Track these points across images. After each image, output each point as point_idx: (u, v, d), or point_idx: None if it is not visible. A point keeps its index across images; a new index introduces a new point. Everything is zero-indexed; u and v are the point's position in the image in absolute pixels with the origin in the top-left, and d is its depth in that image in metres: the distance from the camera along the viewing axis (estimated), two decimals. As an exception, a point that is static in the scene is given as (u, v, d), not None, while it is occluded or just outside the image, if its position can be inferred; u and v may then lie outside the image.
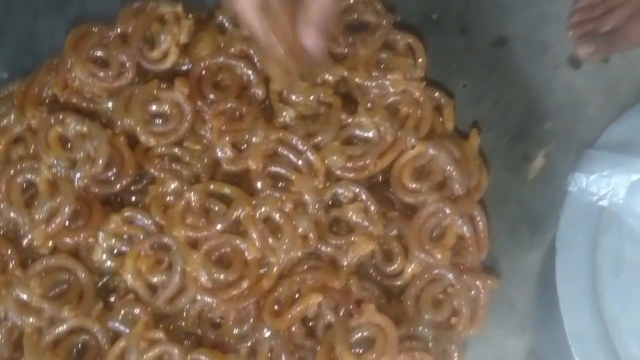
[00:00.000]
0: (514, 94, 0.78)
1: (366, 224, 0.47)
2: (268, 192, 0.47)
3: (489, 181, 0.70)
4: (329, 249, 0.47)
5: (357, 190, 0.48)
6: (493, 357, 0.66)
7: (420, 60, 0.55)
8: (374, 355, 0.42)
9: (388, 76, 0.51)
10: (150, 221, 0.47)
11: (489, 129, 0.76)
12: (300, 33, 0.40)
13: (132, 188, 0.49)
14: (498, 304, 0.68)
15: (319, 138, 0.48)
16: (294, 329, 0.45)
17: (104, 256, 0.46)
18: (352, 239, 0.47)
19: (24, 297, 0.43)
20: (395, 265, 0.48)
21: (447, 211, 0.48)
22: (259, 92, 0.50)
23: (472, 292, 0.48)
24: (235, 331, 0.45)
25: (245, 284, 0.45)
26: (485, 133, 0.76)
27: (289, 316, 0.44)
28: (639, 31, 0.63)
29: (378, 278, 0.48)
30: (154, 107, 0.49)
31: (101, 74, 0.49)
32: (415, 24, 0.66)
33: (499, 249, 0.70)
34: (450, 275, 0.46)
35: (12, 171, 0.47)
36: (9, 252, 0.45)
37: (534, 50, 0.80)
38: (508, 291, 0.68)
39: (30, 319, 0.43)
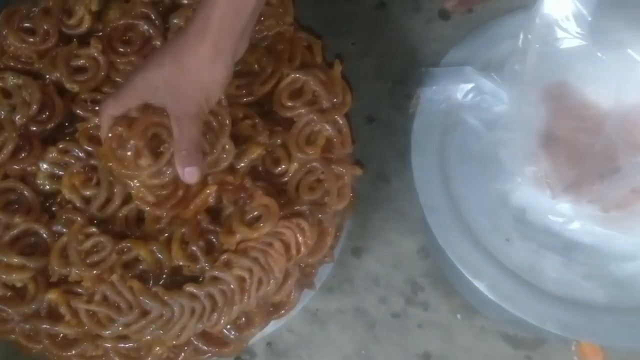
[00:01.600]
0: (395, 47, 0.93)
1: (254, 134, 0.60)
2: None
3: (381, 117, 0.84)
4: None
5: (247, 110, 0.61)
6: (392, 255, 0.80)
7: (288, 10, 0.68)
8: (261, 224, 0.55)
9: (265, 22, 0.65)
10: (80, 150, 0.59)
11: (375, 76, 0.91)
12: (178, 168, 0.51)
13: (65, 131, 0.61)
14: (394, 214, 0.82)
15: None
16: (199, 217, 0.57)
17: (46, 180, 0.59)
18: (243, 147, 0.60)
19: (-17, 213, 0.56)
20: (282, 167, 0.61)
21: (317, 120, 0.61)
22: (158, 43, 0.63)
23: (340, 180, 0.61)
24: (156, 227, 0.58)
25: (180, 193, 0.57)
26: (373, 79, 0.91)
27: (193, 206, 0.57)
28: None
29: (268, 178, 0.61)
30: (76, 62, 0.62)
31: (30, 39, 0.61)
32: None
33: (391, 170, 0.84)
34: (321, 166, 0.59)
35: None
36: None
37: (408, 9, 0.95)
38: (401, 204, 0.82)
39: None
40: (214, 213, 0.58)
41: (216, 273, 0.54)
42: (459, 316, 0.77)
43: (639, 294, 0.62)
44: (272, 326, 0.61)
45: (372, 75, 0.90)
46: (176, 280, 0.56)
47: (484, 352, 0.75)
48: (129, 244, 0.55)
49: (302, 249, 0.56)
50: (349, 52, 0.91)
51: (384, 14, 0.95)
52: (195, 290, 0.54)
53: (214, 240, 0.56)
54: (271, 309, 0.60)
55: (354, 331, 0.77)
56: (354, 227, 0.76)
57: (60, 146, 0.59)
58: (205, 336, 0.56)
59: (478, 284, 0.63)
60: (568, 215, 0.63)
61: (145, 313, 0.53)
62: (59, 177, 0.58)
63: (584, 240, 0.63)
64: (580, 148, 0.59)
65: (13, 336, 0.56)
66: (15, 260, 0.54)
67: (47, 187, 0.59)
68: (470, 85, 0.68)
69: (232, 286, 0.54)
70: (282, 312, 0.60)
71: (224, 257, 0.55)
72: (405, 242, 0.80)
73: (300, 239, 0.56)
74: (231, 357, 0.60)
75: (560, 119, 0.60)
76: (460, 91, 0.67)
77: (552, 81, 0.62)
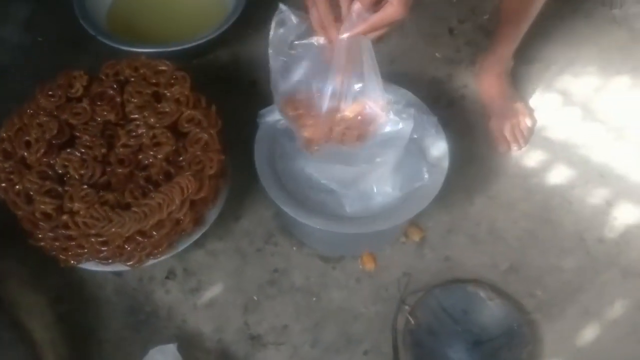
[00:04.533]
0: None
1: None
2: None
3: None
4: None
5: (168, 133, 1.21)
6: (257, 218, 1.37)
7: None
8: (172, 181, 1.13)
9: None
10: (77, 152, 1.17)
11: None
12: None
13: (70, 144, 1.20)
14: (260, 194, 1.38)
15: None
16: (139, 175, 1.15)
17: (61, 165, 1.16)
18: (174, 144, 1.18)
19: None
20: (181, 157, 1.20)
21: (199, 132, 1.21)
22: (119, 100, 1.23)
23: (213, 159, 1.20)
24: (115, 185, 1.15)
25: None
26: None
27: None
28: None
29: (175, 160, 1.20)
30: (75, 110, 1.21)
31: (52, 99, 1.21)
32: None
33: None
34: (201, 154, 1.19)
35: None
36: None
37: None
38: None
39: None
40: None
41: (147, 201, 1.11)
42: (294, 248, 1.34)
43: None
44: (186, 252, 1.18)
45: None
46: (127, 204, 1.12)
47: (307, 266, 1.31)
48: (102, 193, 1.12)
49: (190, 189, 1.13)
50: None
51: (256, 90, 1.57)
52: (136, 209, 1.10)
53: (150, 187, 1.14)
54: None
55: (233, 259, 1.32)
56: (235, 202, 1.33)
57: (68, 150, 1.16)
58: (142, 233, 1.12)
59: (303, 220, 1.20)
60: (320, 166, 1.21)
61: (111, 220, 1.09)
62: (66, 165, 1.16)
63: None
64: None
65: (42, 243, 1.12)
66: (47, 199, 1.10)
67: (60, 170, 1.15)
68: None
69: (154, 204, 1.11)
70: (187, 230, 1.17)
71: (152, 194, 1.12)
72: (266, 211, 1.38)
73: (189, 184, 1.13)
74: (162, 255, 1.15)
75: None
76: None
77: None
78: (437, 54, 1.64)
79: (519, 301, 1.27)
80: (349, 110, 1.12)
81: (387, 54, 1.62)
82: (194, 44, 1.50)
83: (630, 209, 1.40)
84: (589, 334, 1.24)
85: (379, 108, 1.12)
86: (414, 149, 1.27)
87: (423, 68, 1.61)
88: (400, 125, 1.27)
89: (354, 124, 1.14)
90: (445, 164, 1.25)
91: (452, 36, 1.68)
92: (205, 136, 1.21)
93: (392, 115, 1.28)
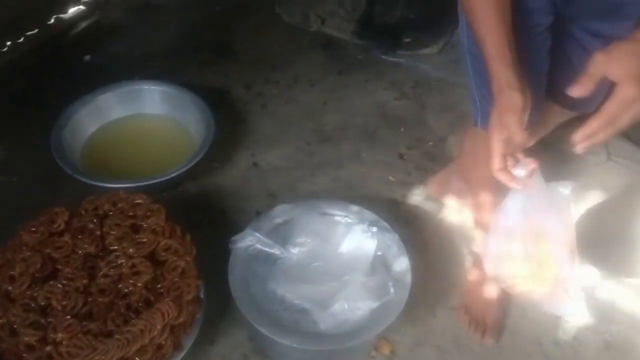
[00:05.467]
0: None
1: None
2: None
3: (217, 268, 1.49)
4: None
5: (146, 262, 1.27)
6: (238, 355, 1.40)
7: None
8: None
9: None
10: (59, 284, 1.22)
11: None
12: None
13: (52, 277, 1.25)
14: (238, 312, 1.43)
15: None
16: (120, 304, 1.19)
17: (43, 298, 1.20)
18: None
19: None
20: (160, 284, 1.26)
21: (177, 259, 1.28)
22: (98, 233, 1.30)
23: (190, 285, 1.26)
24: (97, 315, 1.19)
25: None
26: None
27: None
28: None
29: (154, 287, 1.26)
30: (58, 245, 1.27)
31: (35, 235, 1.27)
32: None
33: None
34: (179, 280, 1.25)
35: None
36: None
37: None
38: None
39: None
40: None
41: (130, 327, 1.15)
42: None
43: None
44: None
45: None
46: (110, 332, 1.16)
47: None
48: (85, 323, 1.16)
49: (170, 314, 1.18)
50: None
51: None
52: (119, 336, 1.14)
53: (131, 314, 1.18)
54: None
55: None
56: (210, 326, 1.38)
57: (51, 282, 1.21)
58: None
59: (279, 339, 1.26)
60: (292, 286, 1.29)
61: (95, 348, 1.12)
62: (49, 297, 1.20)
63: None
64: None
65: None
66: (31, 331, 1.13)
67: (43, 302, 1.19)
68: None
69: (136, 331, 1.15)
70: (168, 354, 1.20)
71: (133, 321, 1.16)
72: (240, 334, 1.42)
73: (169, 310, 1.19)
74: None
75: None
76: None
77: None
78: (391, 178, 1.79)
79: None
80: None
81: (346, 181, 1.76)
82: (165, 178, 1.60)
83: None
84: None
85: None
86: (379, 265, 1.38)
87: (379, 191, 1.75)
88: (366, 244, 1.39)
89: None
90: (409, 278, 1.35)
91: (402, 161, 1.84)
92: (182, 263, 1.28)
93: (357, 234, 1.40)
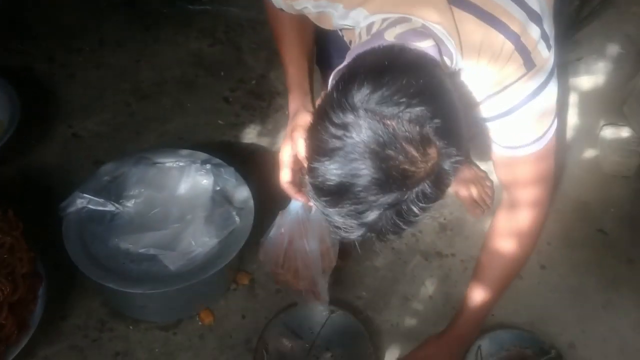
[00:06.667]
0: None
1: None
2: None
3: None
4: None
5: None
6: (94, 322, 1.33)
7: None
8: None
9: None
10: None
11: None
12: None
13: None
14: None
15: None
16: None
17: None
18: None
19: None
20: None
21: None
22: None
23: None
24: None
25: None
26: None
27: None
28: None
29: None
30: None
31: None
32: None
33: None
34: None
35: None
36: None
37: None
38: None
39: None
40: None
41: None
42: (131, 327, 1.33)
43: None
44: None
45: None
46: None
47: (148, 340, 1.32)
48: None
49: (5, 292, 1.10)
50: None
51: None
52: None
53: None
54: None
55: (70, 358, 1.28)
56: (58, 302, 1.30)
57: None
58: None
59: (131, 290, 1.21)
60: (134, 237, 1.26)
61: None
62: None
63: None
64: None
65: None
66: None
67: None
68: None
69: None
70: (12, 336, 1.12)
71: None
72: (92, 302, 1.36)
73: (2, 287, 1.10)
74: None
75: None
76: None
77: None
78: (220, 122, 1.78)
79: (351, 305, 1.39)
80: None
81: (174, 133, 1.73)
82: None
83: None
84: (413, 314, 1.40)
85: None
86: (220, 199, 1.37)
87: (211, 136, 1.74)
88: (202, 181, 1.38)
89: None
90: (251, 204, 1.36)
91: (228, 104, 1.84)
92: (9, 239, 1.19)
93: (191, 174, 1.38)
